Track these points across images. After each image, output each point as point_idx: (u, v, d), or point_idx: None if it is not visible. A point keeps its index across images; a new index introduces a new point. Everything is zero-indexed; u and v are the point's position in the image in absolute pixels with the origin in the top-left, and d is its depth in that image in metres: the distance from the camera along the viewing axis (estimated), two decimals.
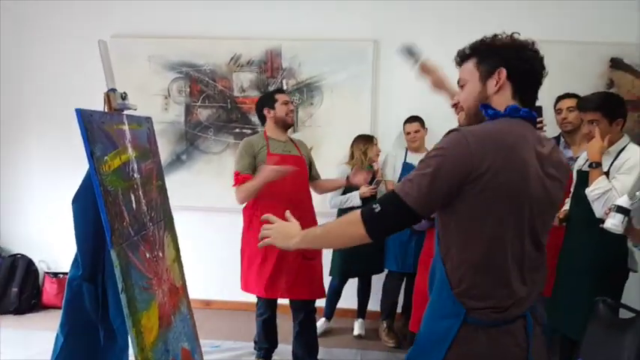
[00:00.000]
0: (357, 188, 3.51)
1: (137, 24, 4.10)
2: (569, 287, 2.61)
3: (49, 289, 4.16)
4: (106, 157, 1.84)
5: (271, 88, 4.03)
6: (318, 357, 3.16)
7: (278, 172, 2.74)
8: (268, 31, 4.00)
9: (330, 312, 3.82)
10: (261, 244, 1.58)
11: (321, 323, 3.73)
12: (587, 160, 2.56)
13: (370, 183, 3.48)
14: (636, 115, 3.66)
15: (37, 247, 4.31)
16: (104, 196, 1.77)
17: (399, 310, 3.78)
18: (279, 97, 3.02)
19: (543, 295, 2.90)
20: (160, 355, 2.00)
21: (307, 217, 2.98)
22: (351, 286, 3.82)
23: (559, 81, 3.52)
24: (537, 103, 2.92)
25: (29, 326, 3.79)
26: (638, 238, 2.26)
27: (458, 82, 1.46)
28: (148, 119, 2.39)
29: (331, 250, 3.60)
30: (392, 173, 3.66)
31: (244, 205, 3.00)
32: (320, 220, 3.12)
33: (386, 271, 3.72)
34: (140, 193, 2.09)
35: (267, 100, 3.06)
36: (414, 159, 3.66)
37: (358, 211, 1.34)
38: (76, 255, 2.02)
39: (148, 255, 2.05)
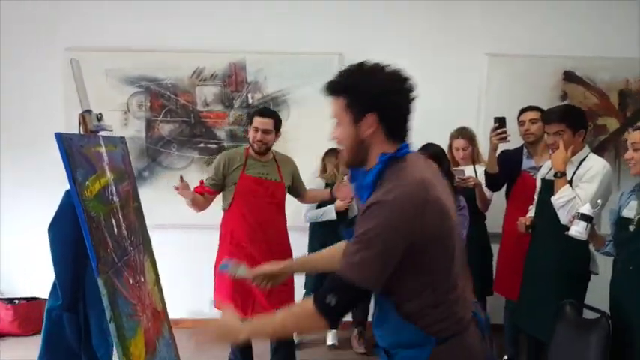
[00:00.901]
0: (331, 202, 3.55)
1: (93, 36, 3.95)
2: (536, 290, 2.72)
3: (4, 316, 3.92)
4: (87, 182, 1.78)
5: (236, 102, 4.00)
6: None
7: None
8: (232, 45, 3.95)
9: None
10: (205, 344, 1.55)
11: (294, 335, 3.72)
12: (550, 169, 2.70)
13: None
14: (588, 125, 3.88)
15: None
16: (88, 222, 1.71)
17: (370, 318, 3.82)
18: (255, 120, 2.88)
19: (510, 299, 3.06)
20: None
21: (279, 243, 3.00)
22: None
23: (517, 93, 3.73)
24: (500, 115, 3.06)
25: None
26: (600, 242, 2.42)
27: (331, 115, 1.40)
28: (122, 139, 2.33)
29: None
30: None
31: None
32: (292, 237, 3.14)
33: None
34: (120, 216, 2.03)
35: (250, 116, 2.98)
36: None
37: (311, 304, 1.30)
38: (54, 283, 1.93)
39: (131, 280, 1.99)
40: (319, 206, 3.58)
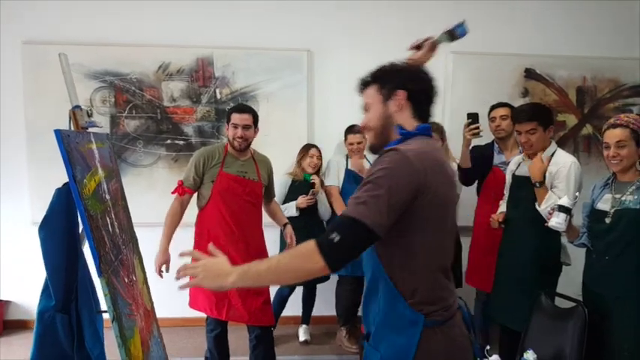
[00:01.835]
0: (294, 198, 3.58)
1: (52, 29, 3.79)
2: (510, 283, 2.79)
3: None
4: (84, 181, 1.74)
5: (204, 98, 3.95)
6: None
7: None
8: (198, 39, 3.90)
9: (275, 320, 3.82)
10: (187, 285, 1.41)
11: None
12: (518, 165, 2.83)
13: (307, 193, 3.57)
14: None
15: None
16: (89, 221, 1.67)
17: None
18: (233, 117, 2.84)
19: (484, 291, 3.17)
20: None
21: (255, 243, 2.96)
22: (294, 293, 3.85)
23: (481, 89, 3.88)
24: (474, 110, 3.16)
25: None
26: (575, 234, 2.53)
27: (363, 107, 1.55)
28: (108, 136, 2.26)
29: None
30: (336, 179, 3.70)
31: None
32: (267, 236, 3.10)
33: (337, 277, 3.78)
34: (113, 215, 1.99)
35: (227, 113, 2.91)
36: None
37: (312, 243, 1.28)
38: (46, 285, 1.86)
39: (126, 280, 1.96)
40: (283, 202, 3.60)
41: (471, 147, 3.16)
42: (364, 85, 1.53)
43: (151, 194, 3.92)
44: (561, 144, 3.99)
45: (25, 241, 3.68)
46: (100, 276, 1.68)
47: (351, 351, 3.68)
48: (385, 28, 4.01)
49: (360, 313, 3.83)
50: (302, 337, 3.86)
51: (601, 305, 2.33)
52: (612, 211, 2.31)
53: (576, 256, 2.70)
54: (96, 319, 1.98)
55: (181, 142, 3.97)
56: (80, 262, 1.92)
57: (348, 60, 3.96)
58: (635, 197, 2.25)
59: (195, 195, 2.95)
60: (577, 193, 2.49)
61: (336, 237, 1.25)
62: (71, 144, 1.69)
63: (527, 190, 2.69)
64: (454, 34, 2.05)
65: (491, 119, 3.24)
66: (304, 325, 3.92)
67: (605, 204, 2.36)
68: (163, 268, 2.79)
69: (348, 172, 3.70)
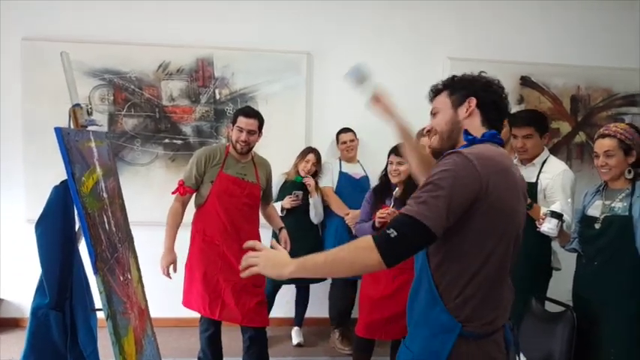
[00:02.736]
0: (283, 198, 3.62)
1: (51, 26, 3.81)
2: None
3: None
4: (83, 178, 1.75)
5: (203, 98, 3.96)
6: None
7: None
8: (198, 40, 3.92)
9: None
10: (247, 273, 1.47)
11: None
12: None
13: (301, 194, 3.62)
14: None
15: None
16: (87, 219, 1.68)
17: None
18: (239, 120, 2.85)
19: None
20: None
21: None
22: (286, 293, 3.86)
23: None
24: None
25: None
26: (566, 239, 2.55)
27: (431, 112, 1.59)
28: (107, 134, 2.27)
29: None
30: (330, 181, 3.74)
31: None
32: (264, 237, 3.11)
33: (330, 279, 3.79)
34: (109, 213, 1.99)
35: (234, 115, 2.92)
36: (349, 168, 3.81)
37: (369, 237, 1.31)
38: (40, 282, 1.86)
39: (121, 278, 1.97)
40: (275, 201, 3.61)
41: None
42: (435, 93, 1.57)
43: (147, 193, 3.93)
44: (555, 151, 4.03)
45: (20, 239, 3.68)
46: (96, 273, 1.69)
47: (344, 353, 3.68)
48: (385, 32, 4.04)
49: (353, 316, 3.84)
50: (295, 340, 3.86)
51: (589, 310, 2.36)
52: (602, 217, 2.35)
53: (567, 262, 2.73)
54: (90, 317, 1.98)
55: (179, 142, 3.98)
56: (76, 260, 1.92)
57: (347, 63, 3.90)
58: (625, 204, 2.29)
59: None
60: (569, 200, 2.52)
61: (393, 233, 1.27)
62: (71, 142, 1.69)
63: None
64: (351, 78, 2.01)
65: None
66: (296, 328, 3.92)
67: (595, 210, 2.40)
68: (171, 268, 2.80)
69: (341, 174, 3.75)
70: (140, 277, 2.35)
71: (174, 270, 2.81)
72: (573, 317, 2.36)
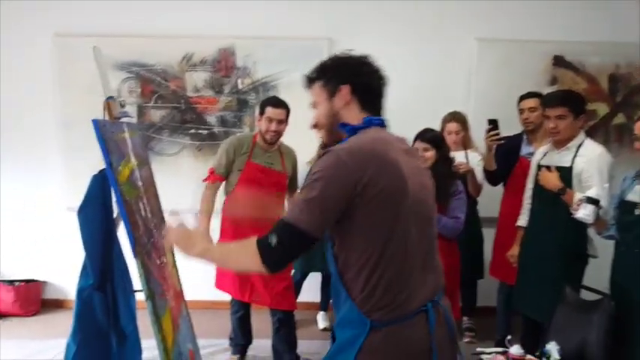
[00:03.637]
0: None
1: (81, 21, 3.91)
2: (535, 275, 2.73)
3: (6, 298, 3.97)
4: (119, 168, 1.85)
5: (226, 88, 4.04)
6: None
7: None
8: (220, 30, 3.98)
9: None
10: (166, 243, 1.54)
11: None
12: (545, 155, 2.76)
13: None
14: None
15: None
16: (125, 206, 1.79)
17: None
18: (268, 110, 2.92)
19: (507, 283, 3.14)
20: (177, 358, 2.05)
21: None
22: (313, 279, 3.92)
23: (507, 77, 3.78)
24: (492, 117, 3.11)
25: None
26: (602, 226, 2.45)
27: (311, 104, 1.52)
28: (139, 126, 2.38)
29: None
30: None
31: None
32: None
33: None
34: (145, 200, 2.10)
35: (261, 105, 2.99)
36: None
37: (254, 241, 1.32)
38: (84, 265, 1.99)
39: (158, 262, 2.08)
40: None
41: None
42: (309, 82, 1.50)
43: (175, 183, 4.02)
44: (592, 134, 3.73)
45: (60, 225, 3.84)
46: (136, 257, 1.80)
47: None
48: (409, 14, 3.95)
49: None
50: (321, 325, 3.92)
51: (628, 299, 2.28)
52: None
53: (606, 250, 2.59)
54: (130, 298, 2.11)
55: (205, 132, 4.08)
56: (115, 244, 2.05)
57: (370, 48, 3.93)
58: None
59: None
60: (606, 185, 2.42)
61: (273, 240, 1.29)
62: (107, 133, 1.80)
63: None
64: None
65: (520, 111, 3.17)
66: (322, 312, 3.99)
67: (635, 195, 2.28)
68: None
69: None
70: (175, 261, 2.47)
71: None
72: (611, 306, 2.28)
